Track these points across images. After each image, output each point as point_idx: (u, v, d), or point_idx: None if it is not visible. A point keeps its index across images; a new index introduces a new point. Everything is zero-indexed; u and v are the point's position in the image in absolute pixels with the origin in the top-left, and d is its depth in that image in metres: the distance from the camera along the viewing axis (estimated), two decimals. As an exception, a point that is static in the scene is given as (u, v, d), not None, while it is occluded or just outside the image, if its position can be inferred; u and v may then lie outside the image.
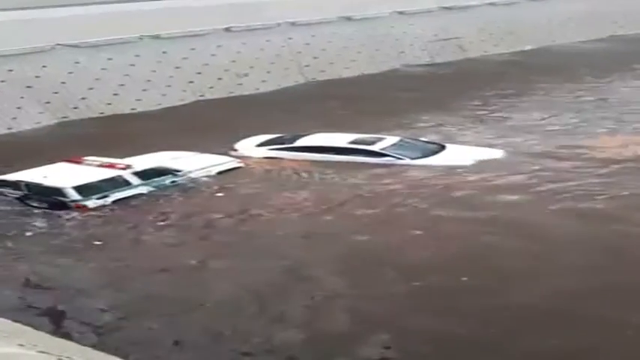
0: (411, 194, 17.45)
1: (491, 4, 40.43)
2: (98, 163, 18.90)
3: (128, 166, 18.66)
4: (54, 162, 19.07)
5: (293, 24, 34.50)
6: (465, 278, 12.94)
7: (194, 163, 19.61)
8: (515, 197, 16.91)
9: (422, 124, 24.13)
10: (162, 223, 16.47)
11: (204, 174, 19.22)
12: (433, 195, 17.34)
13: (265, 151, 21.05)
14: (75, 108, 27.21)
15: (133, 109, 28.22)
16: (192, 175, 19.05)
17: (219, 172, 19.46)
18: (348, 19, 36.10)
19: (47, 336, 9.85)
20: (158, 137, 22.68)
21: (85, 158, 19.17)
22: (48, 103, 26.88)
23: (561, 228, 15.00)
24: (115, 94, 28.30)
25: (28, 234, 16.20)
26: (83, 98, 27.57)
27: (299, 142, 21.07)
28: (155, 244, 15.46)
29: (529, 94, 28.38)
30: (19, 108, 25.99)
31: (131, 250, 15.24)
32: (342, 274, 13.35)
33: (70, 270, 14.24)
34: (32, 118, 26.06)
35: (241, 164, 20.11)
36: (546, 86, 29.60)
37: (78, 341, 10.49)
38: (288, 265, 13.81)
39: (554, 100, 27.24)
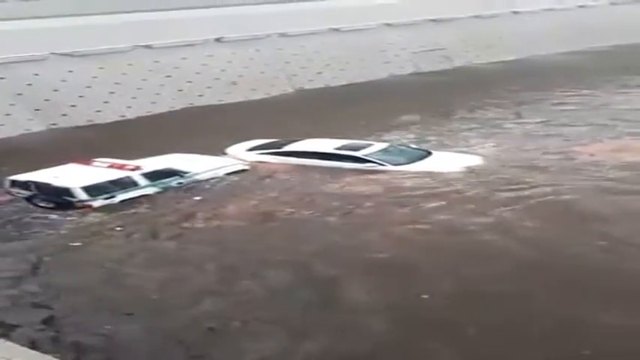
0: (368, 198, 17.72)
1: (475, 16, 41.26)
2: (108, 164, 19.32)
3: (137, 168, 19.02)
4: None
5: (282, 35, 35.29)
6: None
7: (202, 165, 20.10)
8: (470, 206, 16.70)
9: (409, 132, 24.54)
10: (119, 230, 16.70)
11: (212, 176, 19.69)
12: (383, 202, 17.53)
13: (255, 156, 21.64)
14: (64, 115, 27.78)
15: (122, 116, 28.82)
16: (199, 177, 19.50)
17: (227, 174, 19.96)
18: (336, 30, 36.89)
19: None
20: (146, 143, 23.09)
21: (95, 159, 19.62)
22: (38, 110, 27.48)
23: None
24: (106, 102, 28.92)
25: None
26: (73, 106, 28.16)
27: (288, 147, 21.64)
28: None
29: (513, 103, 28.94)
30: (8, 115, 26.51)
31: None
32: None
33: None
34: (22, 125, 26.59)
35: (247, 167, 20.59)
36: (529, 95, 30.22)
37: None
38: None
39: (539, 109, 27.75)
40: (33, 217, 17.42)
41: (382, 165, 20.18)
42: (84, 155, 20.17)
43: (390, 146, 21.56)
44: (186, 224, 16.64)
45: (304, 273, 13.51)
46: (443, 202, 17.00)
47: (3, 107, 26.64)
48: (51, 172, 18.97)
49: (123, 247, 15.43)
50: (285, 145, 21.88)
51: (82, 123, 27.72)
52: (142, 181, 18.74)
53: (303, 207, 17.30)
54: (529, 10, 43.52)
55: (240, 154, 21.83)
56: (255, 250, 14.89)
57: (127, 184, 18.51)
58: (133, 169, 18.97)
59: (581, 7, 46.39)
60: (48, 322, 12.17)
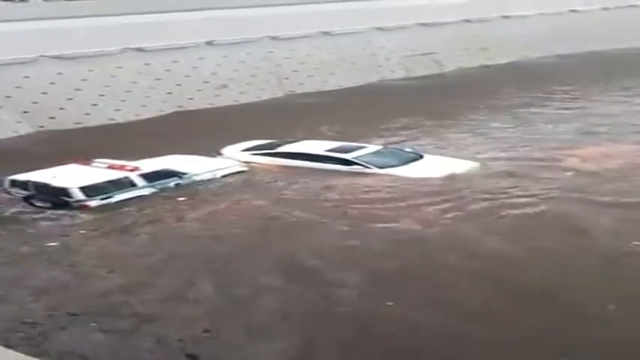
0: (336, 200, 17.82)
1: (466, 20, 41.32)
2: (107, 164, 19.50)
3: (136, 168, 19.18)
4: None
5: (273, 38, 35.28)
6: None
7: (200, 167, 20.26)
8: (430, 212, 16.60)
9: (400, 137, 24.42)
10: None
11: (210, 177, 19.84)
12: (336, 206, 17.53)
13: (248, 156, 21.84)
14: (52, 118, 27.71)
15: (111, 119, 28.73)
16: (197, 178, 19.65)
17: (224, 176, 20.11)
18: (327, 33, 36.88)
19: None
20: (136, 146, 23.01)
21: (95, 160, 19.81)
22: (26, 113, 27.39)
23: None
24: (94, 105, 28.84)
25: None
26: (62, 109, 28.09)
27: (280, 149, 21.84)
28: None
29: (505, 107, 28.90)
30: (-5, 117, 26.44)
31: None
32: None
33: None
34: (10, 128, 26.48)
35: (245, 168, 20.72)
36: (520, 99, 30.25)
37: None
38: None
39: (531, 112, 27.74)
40: (14, 214, 17.55)
41: (368, 168, 20.24)
42: (73, 158, 20.09)
43: (383, 149, 21.62)
44: (172, 225, 16.70)
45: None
46: (401, 206, 17.03)
47: (-9, 110, 26.57)
48: (50, 172, 19.12)
49: (98, 248, 15.44)
50: (279, 146, 22.05)
51: (70, 126, 27.62)
52: (140, 182, 18.87)
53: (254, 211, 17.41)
54: (520, 14, 43.55)
55: (235, 155, 22.02)
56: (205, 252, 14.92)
57: (124, 184, 18.66)
58: (131, 170, 19.10)
59: (572, 11, 46.51)
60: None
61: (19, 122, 26.95)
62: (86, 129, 27.58)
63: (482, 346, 10.79)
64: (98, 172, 19.12)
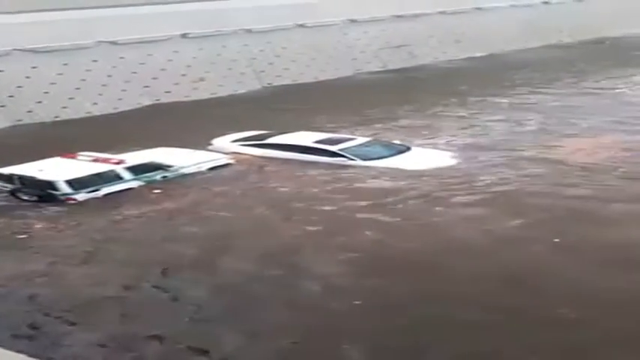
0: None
1: (440, 12, 41.55)
2: (92, 157, 19.30)
3: (121, 161, 19.03)
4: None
5: (248, 31, 35.10)
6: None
7: (187, 159, 20.18)
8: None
9: (377, 129, 24.35)
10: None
11: (195, 170, 19.78)
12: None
13: (238, 147, 21.87)
14: (29, 112, 27.35)
15: (88, 112, 28.42)
16: (184, 171, 19.58)
17: (210, 169, 20.07)
18: (302, 26, 36.81)
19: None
20: (115, 139, 22.74)
21: (80, 153, 19.58)
22: (3, 106, 27.00)
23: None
24: (71, 98, 28.49)
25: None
26: (39, 102, 27.74)
27: (269, 140, 21.83)
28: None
29: (484, 100, 28.99)
30: (-28, 112, 26.07)
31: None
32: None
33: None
34: (-14, 122, 26.17)
35: (232, 161, 20.67)
36: (500, 91, 30.35)
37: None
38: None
39: (514, 105, 27.89)
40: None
41: (352, 159, 20.34)
42: (53, 151, 19.87)
43: (371, 141, 21.70)
44: (149, 217, 16.79)
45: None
46: (369, 200, 17.21)
47: (-33, 104, 26.17)
48: (35, 166, 18.88)
49: (67, 242, 15.39)
50: (269, 137, 22.04)
51: (48, 119, 27.31)
52: (127, 175, 18.76)
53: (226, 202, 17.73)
54: (492, 5, 43.87)
55: (226, 146, 22.07)
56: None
57: (111, 177, 18.53)
58: (117, 163, 18.95)
59: (545, 3, 47.02)
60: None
61: (-5, 116, 26.62)
62: (64, 122, 27.26)
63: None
64: (84, 165, 18.95)
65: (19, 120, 26.92)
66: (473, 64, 39.02)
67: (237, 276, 13.31)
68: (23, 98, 27.60)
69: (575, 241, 14.29)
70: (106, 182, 18.32)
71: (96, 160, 19.16)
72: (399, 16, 39.98)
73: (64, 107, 28.08)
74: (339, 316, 11.70)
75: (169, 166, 19.49)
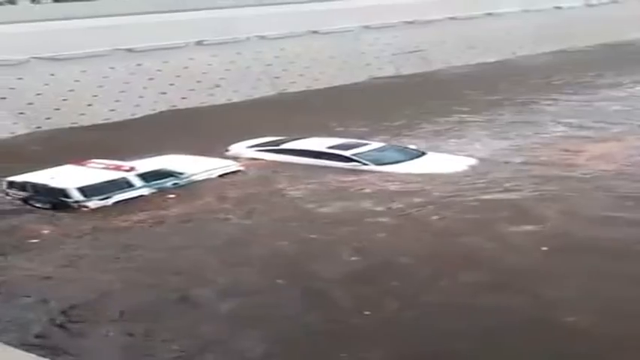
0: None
1: (451, 18, 41.71)
2: (104, 165, 19.45)
3: (132, 168, 19.15)
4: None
5: (262, 37, 35.43)
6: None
7: (197, 166, 20.26)
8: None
9: (392, 134, 24.46)
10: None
11: (206, 177, 19.87)
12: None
13: (253, 153, 22.13)
14: (48, 118, 27.73)
15: (106, 119, 28.81)
16: (195, 178, 19.65)
17: (221, 175, 20.17)
18: (315, 32, 37.09)
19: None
20: (132, 146, 23.00)
21: (91, 160, 19.73)
22: (22, 113, 27.41)
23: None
24: (89, 105, 28.89)
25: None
26: (57, 109, 28.13)
27: (284, 146, 22.02)
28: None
29: (499, 104, 29.12)
30: (-8, 118, 26.39)
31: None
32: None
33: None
34: (6, 129, 26.49)
35: (241, 167, 20.80)
36: (513, 96, 30.46)
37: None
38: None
39: (527, 109, 28.04)
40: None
41: (365, 165, 20.38)
42: (71, 157, 20.15)
43: (386, 146, 21.78)
44: (158, 226, 16.88)
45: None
46: (370, 201, 17.44)
47: (-13, 111, 26.51)
48: (47, 173, 19.06)
49: (73, 249, 15.55)
50: (284, 143, 22.25)
51: (66, 126, 27.69)
52: (138, 182, 18.87)
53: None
54: (504, 11, 44.00)
55: (242, 152, 22.36)
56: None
57: (122, 185, 18.64)
58: (128, 170, 19.07)
59: (557, 8, 47.09)
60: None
61: (15, 123, 26.99)
62: (82, 128, 27.63)
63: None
64: (95, 172, 19.07)
65: (38, 127, 27.32)
66: (486, 68, 39.10)
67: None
68: (42, 105, 28.00)
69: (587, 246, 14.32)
70: (117, 189, 18.41)
71: (107, 168, 19.28)
72: (411, 22, 40.21)
73: (82, 114, 28.45)
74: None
75: (180, 173, 19.56)
